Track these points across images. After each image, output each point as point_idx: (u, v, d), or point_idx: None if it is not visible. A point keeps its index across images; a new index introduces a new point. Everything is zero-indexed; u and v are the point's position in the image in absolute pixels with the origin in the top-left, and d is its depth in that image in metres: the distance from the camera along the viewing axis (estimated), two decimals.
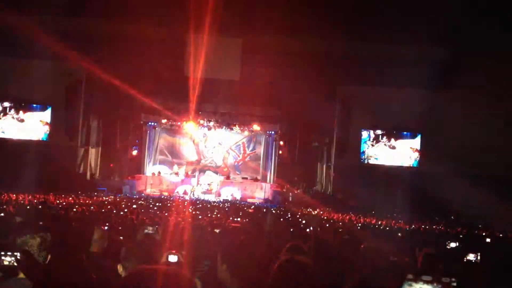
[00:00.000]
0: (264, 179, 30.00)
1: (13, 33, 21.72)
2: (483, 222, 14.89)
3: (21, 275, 3.35)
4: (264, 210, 17.20)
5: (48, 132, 24.20)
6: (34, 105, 24.17)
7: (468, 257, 5.15)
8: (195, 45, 23.00)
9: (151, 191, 27.13)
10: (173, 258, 3.96)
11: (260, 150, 31.00)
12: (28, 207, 10.81)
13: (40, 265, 3.27)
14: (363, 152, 25.52)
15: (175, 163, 30.04)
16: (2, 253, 3.15)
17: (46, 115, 24.24)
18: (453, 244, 6.61)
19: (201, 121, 29.45)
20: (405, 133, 25.51)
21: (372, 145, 25.60)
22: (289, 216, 14.01)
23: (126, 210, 12.06)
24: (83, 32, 22.78)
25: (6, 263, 3.18)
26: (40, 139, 24.13)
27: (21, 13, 21.45)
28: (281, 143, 30.09)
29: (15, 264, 3.14)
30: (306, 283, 2.51)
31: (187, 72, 23.36)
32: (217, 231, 6.56)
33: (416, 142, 25.59)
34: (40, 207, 10.64)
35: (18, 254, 3.15)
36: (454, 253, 6.02)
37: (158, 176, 28.66)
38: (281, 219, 11.97)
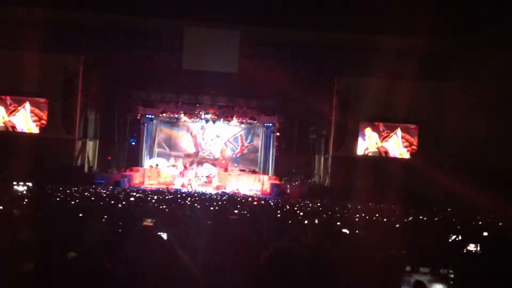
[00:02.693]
0: (262, 171, 30.03)
1: (9, 25, 21.62)
2: (482, 214, 14.92)
3: None
4: (263, 202, 17.21)
5: (45, 125, 24.11)
6: (31, 98, 24.05)
7: (467, 249, 5.16)
8: (193, 37, 22.91)
9: (149, 184, 27.13)
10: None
11: (258, 142, 31.03)
12: (26, 200, 10.78)
13: None
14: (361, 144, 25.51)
15: (173, 156, 30.05)
16: None
17: (43, 108, 24.14)
18: (452, 236, 6.62)
19: (199, 114, 29.44)
20: (401, 124, 25.50)
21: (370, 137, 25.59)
22: (287, 207, 14.01)
23: (124, 202, 12.04)
24: (80, 24, 22.67)
25: None
26: (37, 132, 24.05)
27: (17, 4, 21.33)
28: (279, 134, 30.11)
29: None
30: (295, 272, 2.51)
31: (185, 65, 23.27)
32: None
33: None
34: (38, 200, 10.63)
35: None
36: (453, 245, 6.03)
37: (156, 169, 28.66)
38: (279, 211, 11.99)
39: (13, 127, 24.14)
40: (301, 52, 23.95)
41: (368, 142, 25.47)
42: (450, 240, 6.45)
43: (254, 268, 2.87)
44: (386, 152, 25.52)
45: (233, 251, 3.14)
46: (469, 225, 10.98)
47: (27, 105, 24.05)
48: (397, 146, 25.58)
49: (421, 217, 13.52)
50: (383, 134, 25.56)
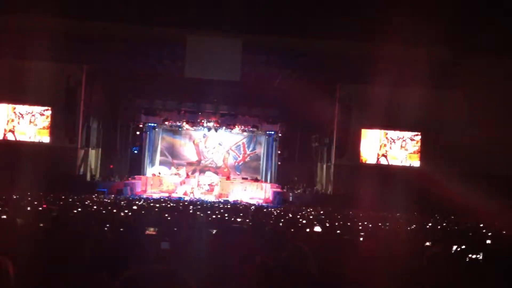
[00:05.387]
0: (264, 180, 29.99)
1: (12, 35, 21.71)
2: (484, 221, 14.86)
3: None
4: (265, 210, 17.18)
5: (48, 133, 24.19)
6: (34, 106, 24.16)
7: (470, 257, 5.12)
8: (195, 45, 22.98)
9: (151, 192, 27.11)
10: (165, 245, 4.02)
11: (260, 150, 31.01)
12: (28, 208, 10.80)
13: None
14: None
15: (175, 164, 30.03)
16: None
17: (46, 116, 24.24)
18: (455, 243, 6.58)
19: (201, 122, 29.47)
20: (404, 132, 25.50)
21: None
22: (289, 216, 13.98)
23: (126, 211, 12.04)
24: (82, 33, 22.76)
25: None
26: (40, 141, 24.12)
27: (20, 14, 21.44)
28: (281, 142, 30.11)
29: None
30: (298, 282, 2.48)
31: (187, 73, 23.32)
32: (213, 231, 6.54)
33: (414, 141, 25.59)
34: (40, 209, 10.64)
35: None
36: (457, 253, 6.00)
37: (158, 177, 28.65)
38: (282, 220, 11.95)
39: (15, 136, 24.21)
40: (303, 60, 23.98)
41: (371, 149, 25.44)
42: (453, 247, 6.42)
43: (256, 277, 2.85)
44: (389, 160, 25.48)
45: (234, 260, 3.13)
46: (473, 232, 10.92)
47: (31, 114, 24.15)
48: (400, 153, 25.54)
49: (426, 224, 13.47)
50: (386, 141, 25.53)
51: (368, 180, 22.91)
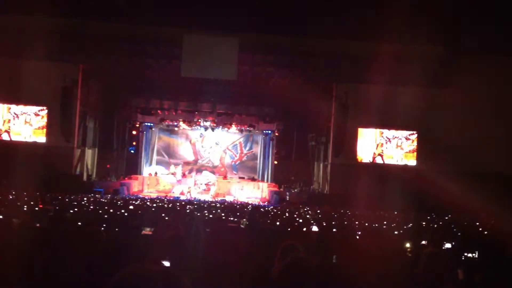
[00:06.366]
0: (261, 179, 30.00)
1: (8, 34, 21.65)
2: (480, 220, 14.91)
3: None
4: (262, 209, 17.18)
5: (44, 133, 24.14)
6: (30, 106, 24.10)
7: (466, 255, 5.14)
8: (192, 44, 22.96)
9: (148, 192, 27.08)
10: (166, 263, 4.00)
11: (257, 149, 31.01)
12: (25, 208, 10.77)
13: None
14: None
15: (172, 164, 30.00)
16: None
17: (42, 116, 24.18)
18: (451, 242, 6.60)
19: (198, 121, 29.45)
20: (400, 131, 25.55)
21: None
22: (286, 215, 13.99)
23: (122, 211, 12.04)
24: (79, 32, 22.70)
25: None
26: (36, 141, 24.05)
27: (16, 13, 21.39)
28: (278, 142, 30.12)
29: None
30: (311, 284, 2.49)
31: (184, 72, 23.30)
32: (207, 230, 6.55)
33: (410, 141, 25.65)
34: (36, 209, 10.62)
35: None
36: (452, 251, 6.02)
37: (155, 177, 28.61)
38: (279, 219, 11.96)
39: (11, 136, 24.15)
40: (300, 58, 23.98)
41: (368, 148, 25.48)
42: (448, 246, 6.43)
43: (255, 279, 2.86)
44: (385, 159, 25.51)
45: (231, 260, 3.13)
46: (469, 231, 10.95)
47: (27, 113, 24.08)
48: (396, 152, 25.58)
49: (422, 223, 13.49)
50: (382, 140, 25.58)
51: (364, 179, 22.93)
